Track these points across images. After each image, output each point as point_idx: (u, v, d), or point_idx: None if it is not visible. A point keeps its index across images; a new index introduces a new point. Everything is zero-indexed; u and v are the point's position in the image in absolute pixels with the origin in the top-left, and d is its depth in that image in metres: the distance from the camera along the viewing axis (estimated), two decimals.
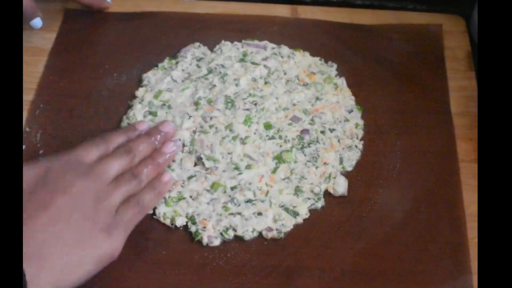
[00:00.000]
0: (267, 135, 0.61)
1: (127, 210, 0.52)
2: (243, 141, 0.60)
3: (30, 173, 0.50)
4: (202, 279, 0.53)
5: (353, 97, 0.66)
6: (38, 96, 0.65)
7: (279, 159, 0.59)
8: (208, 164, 0.58)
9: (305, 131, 0.61)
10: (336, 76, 0.67)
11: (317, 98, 0.64)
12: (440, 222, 0.56)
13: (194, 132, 0.61)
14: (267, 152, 0.60)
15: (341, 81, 0.67)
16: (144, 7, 0.74)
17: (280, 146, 0.60)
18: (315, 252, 0.54)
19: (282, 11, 0.74)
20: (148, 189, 0.55)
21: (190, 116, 0.62)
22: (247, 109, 0.62)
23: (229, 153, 0.59)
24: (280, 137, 0.61)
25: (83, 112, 0.64)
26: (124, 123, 0.62)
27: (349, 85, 0.67)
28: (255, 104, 0.63)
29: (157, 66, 0.68)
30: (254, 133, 0.61)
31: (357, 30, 0.72)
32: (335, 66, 0.68)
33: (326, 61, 0.69)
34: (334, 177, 0.59)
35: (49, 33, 0.70)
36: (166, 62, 0.68)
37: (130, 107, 0.64)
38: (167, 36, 0.71)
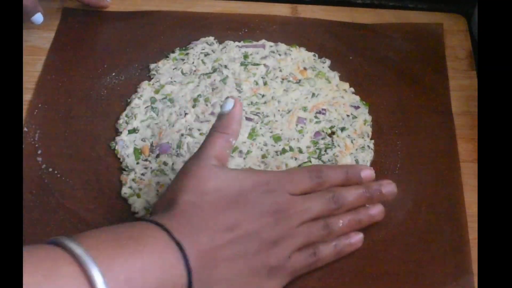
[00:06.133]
0: (276, 151, 0.59)
1: (301, 258, 0.49)
2: (245, 155, 0.58)
3: (233, 186, 0.47)
4: None
5: (352, 89, 0.65)
6: (36, 95, 0.64)
7: None
8: None
9: (317, 134, 0.61)
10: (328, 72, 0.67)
11: (313, 94, 0.64)
12: (441, 222, 0.56)
13: (182, 135, 0.60)
14: (278, 166, 0.58)
15: (334, 75, 0.66)
16: (143, 6, 0.74)
17: (295, 159, 0.59)
18: None
19: (282, 10, 0.74)
20: (331, 243, 0.51)
21: (186, 114, 0.61)
22: (250, 119, 0.61)
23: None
24: (291, 149, 0.59)
25: (82, 111, 0.63)
26: (122, 121, 0.62)
27: (350, 85, 0.66)
28: (257, 114, 0.62)
29: (167, 56, 0.67)
30: (261, 150, 0.59)
31: (357, 29, 0.72)
32: (328, 62, 0.68)
33: (320, 57, 0.68)
34: None
35: (47, 32, 0.70)
36: (177, 53, 0.68)
37: (128, 103, 0.64)
38: (165, 36, 0.70)
